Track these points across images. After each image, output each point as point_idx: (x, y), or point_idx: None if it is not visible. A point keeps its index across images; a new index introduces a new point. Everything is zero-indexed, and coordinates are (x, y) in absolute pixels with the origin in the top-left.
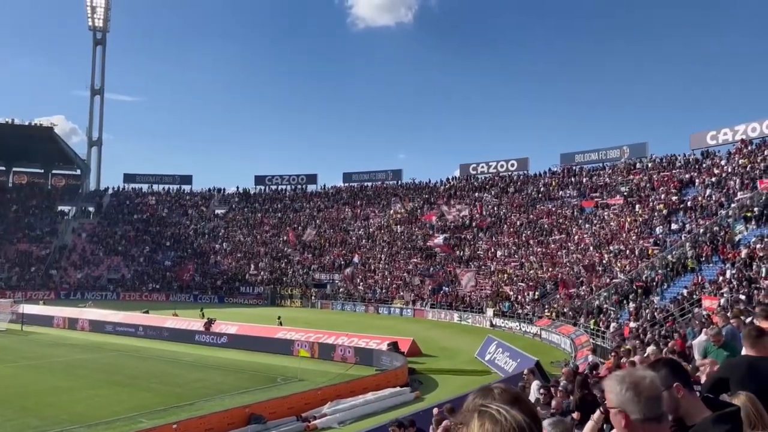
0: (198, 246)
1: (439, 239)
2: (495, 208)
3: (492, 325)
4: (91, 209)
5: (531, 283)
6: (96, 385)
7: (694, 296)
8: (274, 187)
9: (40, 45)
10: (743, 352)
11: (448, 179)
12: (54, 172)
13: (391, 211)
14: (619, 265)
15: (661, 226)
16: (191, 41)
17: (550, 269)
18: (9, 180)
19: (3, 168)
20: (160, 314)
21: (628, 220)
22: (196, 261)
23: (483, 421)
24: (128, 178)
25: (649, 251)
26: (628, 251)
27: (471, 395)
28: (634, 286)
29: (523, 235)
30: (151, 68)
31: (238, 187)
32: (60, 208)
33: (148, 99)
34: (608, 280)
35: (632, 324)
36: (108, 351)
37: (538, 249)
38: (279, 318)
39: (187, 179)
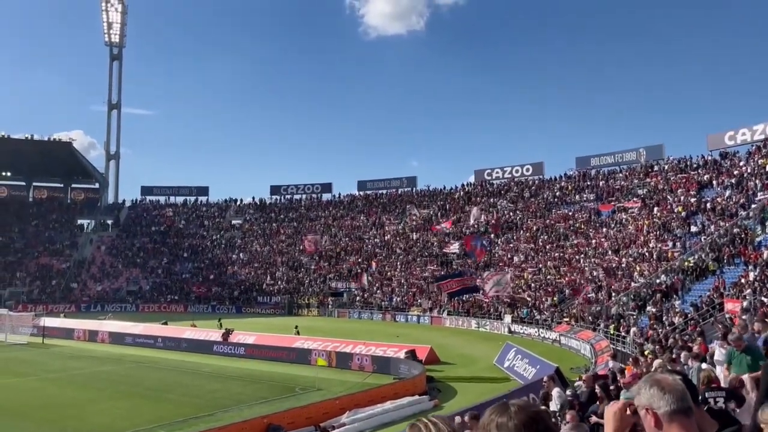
0: (215, 257)
1: (455, 246)
2: (511, 214)
3: (510, 331)
4: (109, 222)
5: (549, 289)
6: (116, 396)
7: (715, 299)
8: (289, 197)
9: (58, 61)
10: None
11: (463, 185)
12: (73, 186)
13: (407, 218)
14: (638, 268)
15: (680, 229)
16: (205, 54)
17: (568, 274)
18: (29, 195)
19: (23, 183)
20: (178, 325)
21: (647, 223)
22: (214, 271)
23: None
24: (145, 190)
25: (669, 254)
26: (647, 254)
27: (488, 411)
28: (654, 290)
29: (540, 240)
30: (165, 82)
31: (254, 198)
32: (79, 221)
33: (164, 112)
34: (627, 284)
35: (653, 329)
36: (128, 363)
37: (556, 254)
38: (296, 327)
39: (203, 191)
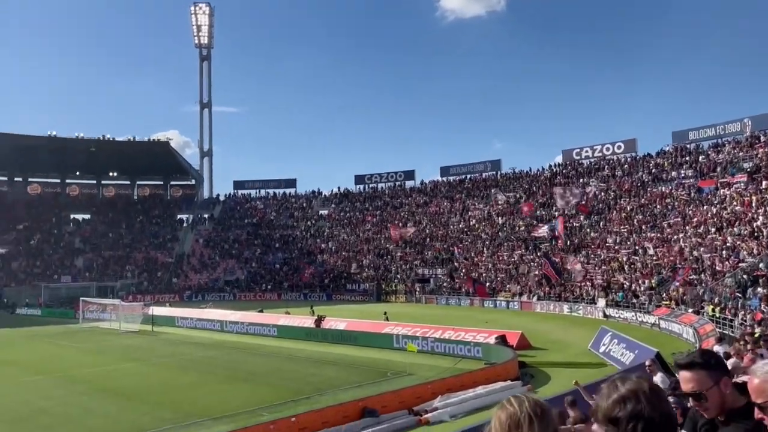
0: (304, 246)
1: (544, 228)
2: (603, 194)
3: (605, 315)
4: (206, 216)
5: (646, 271)
6: (220, 380)
7: None
8: (373, 186)
9: (153, 66)
10: None
11: (550, 166)
12: (172, 183)
13: (492, 202)
14: (746, 247)
15: None
16: (286, 50)
17: (667, 255)
18: (134, 193)
19: (128, 182)
20: (273, 312)
21: (754, 198)
22: (304, 261)
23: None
24: (237, 185)
25: None
26: (755, 232)
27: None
28: (762, 270)
29: (635, 220)
30: (251, 79)
31: (339, 188)
32: (179, 216)
33: (252, 108)
34: (734, 264)
35: (762, 311)
36: (228, 348)
37: (653, 234)
38: (385, 313)
39: (291, 183)
